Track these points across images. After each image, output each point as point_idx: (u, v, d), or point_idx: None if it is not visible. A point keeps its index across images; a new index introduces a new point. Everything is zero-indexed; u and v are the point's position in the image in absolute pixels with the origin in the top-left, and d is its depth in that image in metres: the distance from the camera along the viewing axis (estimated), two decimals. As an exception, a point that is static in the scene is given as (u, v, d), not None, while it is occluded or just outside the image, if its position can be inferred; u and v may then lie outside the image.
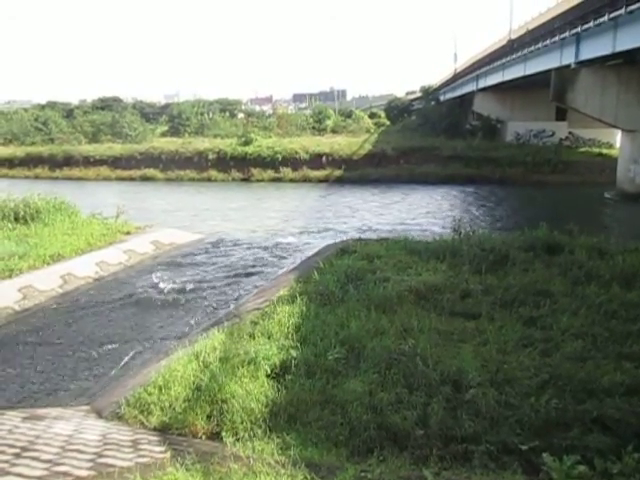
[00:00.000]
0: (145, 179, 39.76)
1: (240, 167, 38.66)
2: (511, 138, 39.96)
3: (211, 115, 61.51)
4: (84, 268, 12.89)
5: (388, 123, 63.55)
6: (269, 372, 5.92)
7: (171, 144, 44.48)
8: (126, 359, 8.31)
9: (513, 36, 32.36)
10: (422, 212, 24.31)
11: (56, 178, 41.21)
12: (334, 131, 53.69)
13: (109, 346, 8.84)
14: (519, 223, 15.72)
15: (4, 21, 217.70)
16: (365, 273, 9.32)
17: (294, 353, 6.24)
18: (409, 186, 31.70)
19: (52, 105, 77.94)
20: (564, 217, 14.64)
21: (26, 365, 8.21)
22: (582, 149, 37.66)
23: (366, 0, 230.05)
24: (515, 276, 8.96)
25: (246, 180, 37.68)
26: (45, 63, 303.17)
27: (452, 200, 28.21)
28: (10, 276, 11.57)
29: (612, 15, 19.64)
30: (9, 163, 45.70)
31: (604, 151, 36.47)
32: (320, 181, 35.94)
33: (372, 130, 55.62)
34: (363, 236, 15.69)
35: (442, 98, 59.81)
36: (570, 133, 39.38)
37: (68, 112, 67.91)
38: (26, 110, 73.15)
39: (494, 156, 34.51)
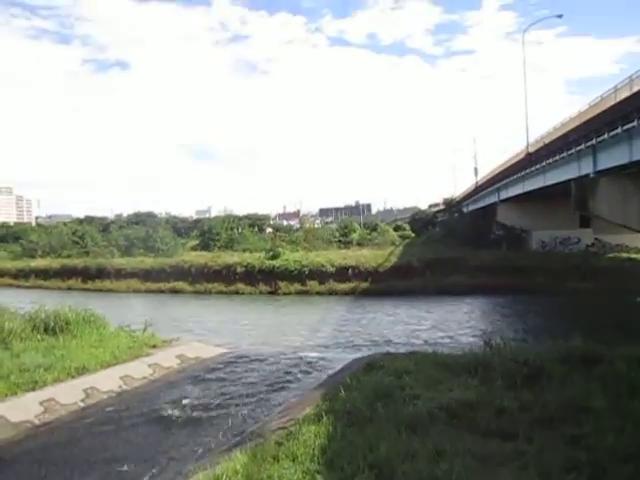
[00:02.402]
0: (174, 291, 40.39)
1: (267, 280, 39.07)
2: (537, 246, 39.95)
3: (240, 230, 63.60)
4: (108, 382, 12.73)
5: (413, 235, 64.49)
6: (293, 499, 5.54)
7: (201, 258, 45.68)
8: (144, 481, 7.92)
9: (531, 149, 33.52)
10: (450, 324, 23.85)
11: (88, 289, 42.29)
12: (360, 244, 54.50)
13: (126, 466, 8.47)
14: (551, 333, 15.20)
15: (44, 141, 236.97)
16: (394, 390, 8.95)
17: (320, 478, 5.87)
18: (436, 297, 31.38)
19: (90, 220, 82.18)
20: (598, 325, 14.18)
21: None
22: (610, 255, 37.31)
23: (388, 119, 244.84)
24: (552, 391, 8.48)
25: (273, 293, 37.87)
26: (85, 179, 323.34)
27: (480, 311, 27.73)
28: (34, 388, 11.49)
29: (625, 127, 20.32)
30: (44, 274, 47.45)
31: (633, 256, 36.08)
32: (346, 294, 35.86)
33: (397, 242, 56.37)
34: (390, 349, 15.36)
35: (465, 210, 60.98)
36: (596, 239, 39.25)
37: (104, 226, 71.26)
38: (65, 224, 77.13)
39: (520, 265, 34.34)
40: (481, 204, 53.34)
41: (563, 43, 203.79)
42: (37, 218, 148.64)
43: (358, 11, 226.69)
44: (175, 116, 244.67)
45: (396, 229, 71.84)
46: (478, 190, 53.69)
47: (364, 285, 36.81)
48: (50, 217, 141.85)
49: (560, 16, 42.04)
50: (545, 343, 12.00)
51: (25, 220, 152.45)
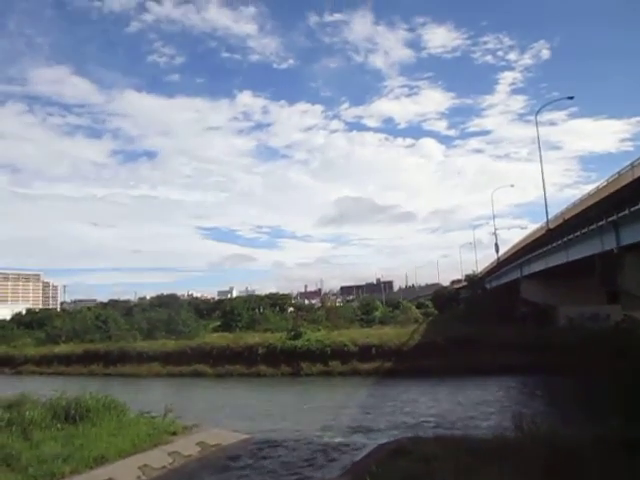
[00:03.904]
0: (195, 374, 39.85)
1: (289, 361, 38.44)
2: (564, 323, 38.85)
3: (262, 310, 63.46)
4: (126, 473, 12.39)
5: (436, 312, 63.63)
6: None
7: (223, 339, 45.40)
8: None
9: (551, 225, 33.45)
10: (478, 405, 22.93)
11: (109, 375, 41.95)
12: (382, 322, 53.83)
13: None
14: (587, 416, 14.52)
15: (71, 230, 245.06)
16: (423, 478, 8.55)
17: None
18: (461, 377, 30.40)
19: (113, 303, 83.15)
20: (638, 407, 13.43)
21: None
22: (643, 332, 35.96)
23: (406, 196, 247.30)
24: (592, 480, 7.98)
25: (295, 374, 37.12)
26: (110, 264, 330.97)
27: (509, 391, 26.67)
28: (51, 481, 11.24)
29: (646, 202, 20.30)
30: (67, 360, 47.32)
31: (668, 333, 34.68)
32: (369, 374, 34.96)
33: (420, 320, 55.55)
34: (417, 433, 14.75)
35: (488, 286, 60.31)
36: (626, 315, 38.02)
37: (128, 310, 71.81)
38: (89, 309, 77.91)
39: (548, 343, 33.26)
40: (504, 280, 52.79)
41: (576, 123, 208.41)
42: (62, 303, 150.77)
43: (374, 98, 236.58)
44: (197, 200, 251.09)
45: (419, 306, 71.10)
46: (500, 266, 53.34)
47: (388, 365, 35.91)
48: (75, 302, 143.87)
49: (571, 98, 43.37)
50: (581, 426, 11.45)
51: (51, 306, 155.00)
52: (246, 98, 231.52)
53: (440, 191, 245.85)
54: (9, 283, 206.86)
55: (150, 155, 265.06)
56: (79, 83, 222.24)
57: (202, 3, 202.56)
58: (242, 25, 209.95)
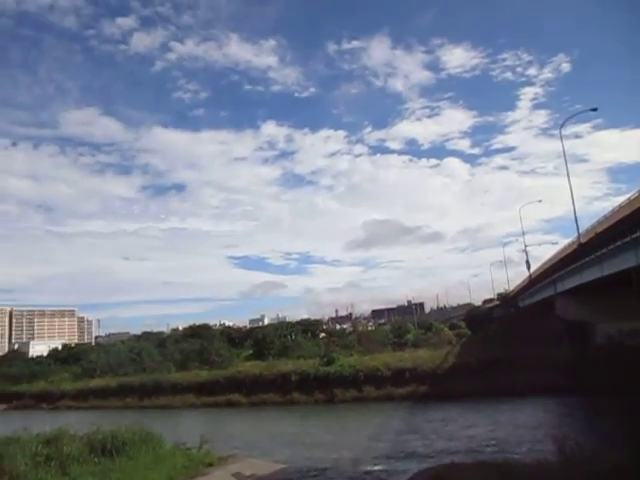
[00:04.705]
0: (230, 404, 39.92)
1: (323, 388, 38.17)
2: (602, 341, 37.53)
3: (294, 336, 63.27)
4: (163, 506, 12.37)
5: (469, 333, 62.45)
6: None
7: (255, 367, 45.47)
8: None
9: (582, 240, 32.66)
10: (517, 429, 22.26)
11: (145, 407, 42.28)
12: (415, 345, 52.97)
13: None
14: (630, 438, 13.92)
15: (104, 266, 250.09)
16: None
17: None
18: (498, 400, 29.62)
19: (147, 336, 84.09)
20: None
21: None
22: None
23: (434, 217, 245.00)
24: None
25: (329, 401, 36.79)
26: (141, 296, 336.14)
27: (547, 414, 25.88)
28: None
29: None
30: (102, 394, 48.06)
31: None
32: (404, 398, 34.42)
33: (454, 341, 54.57)
34: (455, 458, 14.40)
35: (521, 304, 59.04)
36: (667, 331, 36.60)
37: (161, 342, 72.37)
38: (123, 342, 78.96)
39: (586, 362, 32.17)
40: (537, 298, 51.60)
41: (601, 134, 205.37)
42: (97, 338, 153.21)
43: (396, 120, 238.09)
44: (226, 230, 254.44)
45: (451, 327, 69.86)
46: (532, 283, 52.18)
47: (422, 389, 35.30)
48: (109, 335, 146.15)
49: (595, 109, 42.67)
50: (624, 449, 10.99)
51: (86, 340, 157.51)
52: (270, 128, 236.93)
53: (467, 210, 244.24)
54: (45, 319, 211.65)
55: (179, 188, 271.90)
56: (108, 123, 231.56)
57: (223, 39, 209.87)
58: (263, 58, 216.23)
